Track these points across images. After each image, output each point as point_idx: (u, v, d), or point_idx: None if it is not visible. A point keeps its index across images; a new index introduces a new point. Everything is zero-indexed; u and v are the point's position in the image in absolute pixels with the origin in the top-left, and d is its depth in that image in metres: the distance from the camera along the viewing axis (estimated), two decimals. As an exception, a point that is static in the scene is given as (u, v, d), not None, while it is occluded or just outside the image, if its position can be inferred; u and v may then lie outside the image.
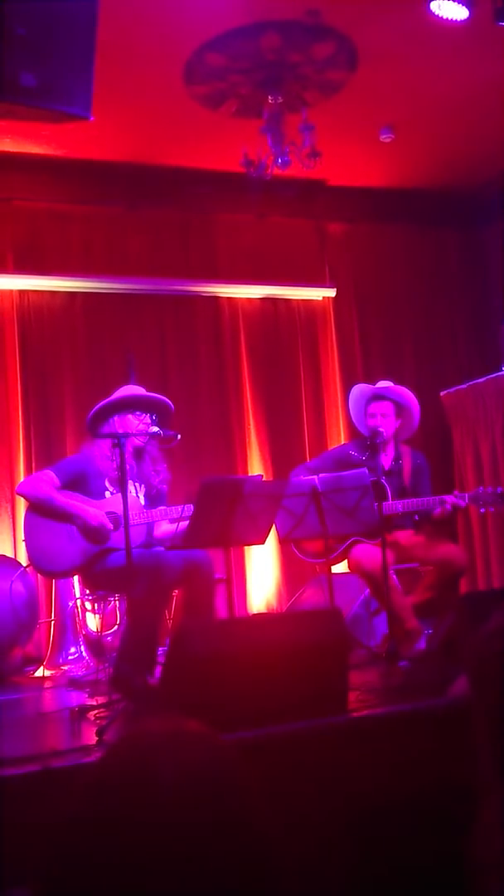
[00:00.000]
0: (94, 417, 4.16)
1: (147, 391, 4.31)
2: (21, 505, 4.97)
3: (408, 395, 4.71)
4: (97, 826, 0.76)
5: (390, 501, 4.40)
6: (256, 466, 6.39)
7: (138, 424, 4.07)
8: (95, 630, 5.00)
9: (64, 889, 0.75)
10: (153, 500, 4.18)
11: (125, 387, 4.35)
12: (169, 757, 0.80)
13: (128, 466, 3.85)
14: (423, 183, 6.78)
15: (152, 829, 0.74)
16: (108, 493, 4.08)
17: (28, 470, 5.67)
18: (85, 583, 4.25)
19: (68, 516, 3.93)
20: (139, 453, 4.14)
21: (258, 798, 0.81)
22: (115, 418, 4.11)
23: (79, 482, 4.05)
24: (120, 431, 3.96)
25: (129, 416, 4.11)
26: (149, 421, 4.07)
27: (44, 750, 2.80)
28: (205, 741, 0.83)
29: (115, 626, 4.87)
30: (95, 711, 3.33)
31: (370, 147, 6.08)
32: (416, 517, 4.54)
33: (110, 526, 3.90)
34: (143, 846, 0.73)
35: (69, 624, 5.28)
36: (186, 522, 3.70)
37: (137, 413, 4.12)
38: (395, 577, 4.34)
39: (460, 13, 4.42)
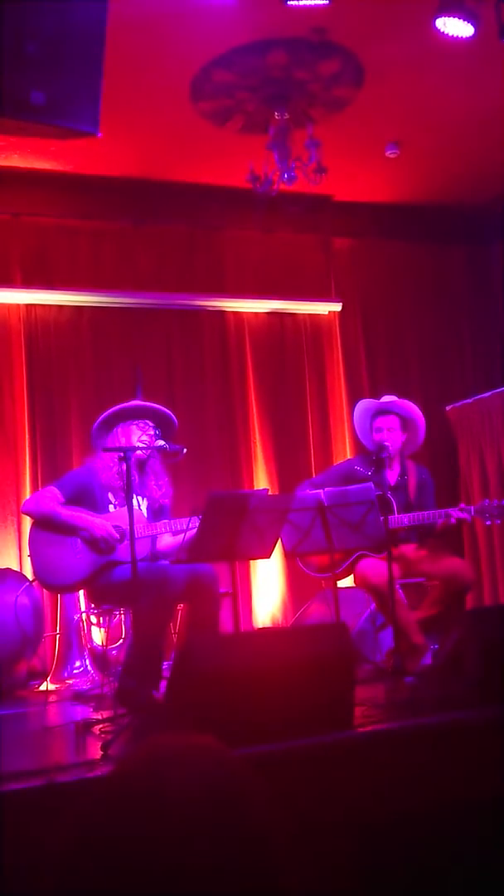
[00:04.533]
0: (97, 429, 4.17)
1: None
2: (26, 518, 4.97)
3: (413, 409, 4.71)
4: (108, 841, 0.75)
5: (396, 515, 4.40)
6: (262, 481, 6.39)
7: (141, 434, 4.08)
8: (100, 644, 5.00)
9: None
10: (156, 513, 4.18)
11: (131, 402, 4.36)
12: (181, 771, 0.79)
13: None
14: (428, 199, 6.80)
15: (164, 844, 0.74)
16: (111, 507, 4.08)
17: (34, 484, 5.68)
18: (90, 597, 4.24)
19: (74, 529, 3.93)
20: (142, 466, 4.14)
21: (272, 813, 0.80)
22: (119, 428, 4.12)
23: (83, 496, 4.05)
24: (124, 442, 3.97)
25: (133, 426, 4.11)
26: (152, 431, 4.07)
27: (48, 764, 2.79)
28: (218, 755, 0.83)
29: (121, 640, 4.86)
30: (100, 726, 3.31)
31: (376, 163, 6.11)
32: (422, 531, 4.53)
33: (116, 535, 3.91)
34: (155, 862, 0.73)
35: (74, 638, 5.28)
36: (190, 533, 3.70)
37: (140, 423, 4.12)
38: (400, 591, 4.32)
39: (465, 30, 4.44)
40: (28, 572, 5.05)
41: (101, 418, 4.15)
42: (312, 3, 4.32)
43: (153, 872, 0.73)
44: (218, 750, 0.83)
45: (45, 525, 3.96)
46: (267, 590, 6.27)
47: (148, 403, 4.24)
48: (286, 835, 0.80)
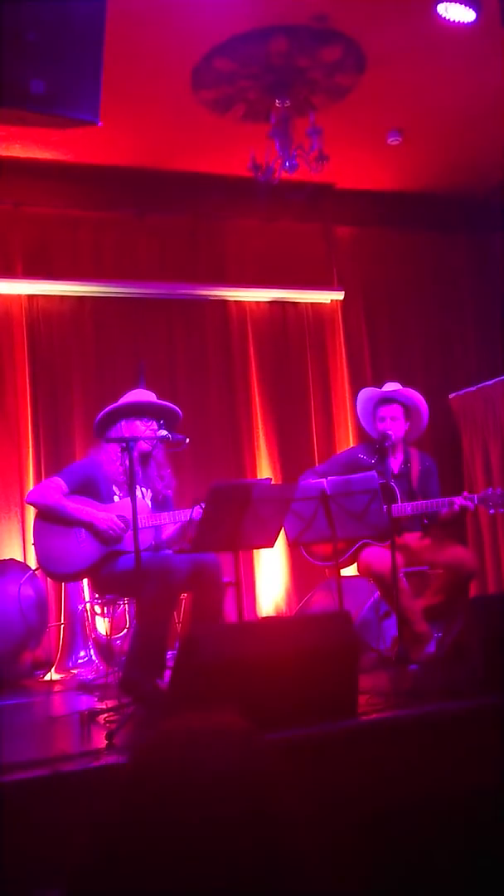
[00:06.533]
0: (101, 421, 4.17)
1: (157, 396, 4.32)
2: (30, 508, 4.98)
3: (417, 397, 4.70)
4: (136, 824, 0.74)
5: (399, 504, 4.40)
6: (265, 470, 6.39)
7: (145, 430, 4.09)
8: (105, 634, 5.01)
9: (100, 887, 0.74)
10: (160, 504, 4.19)
11: (134, 391, 4.36)
12: (207, 754, 0.79)
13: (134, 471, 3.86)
14: (431, 186, 6.77)
15: (189, 826, 0.73)
16: (116, 498, 4.09)
17: (37, 475, 5.69)
18: (94, 586, 4.25)
19: (78, 522, 3.95)
20: (145, 458, 4.15)
21: (295, 796, 0.79)
22: (123, 423, 4.13)
23: (87, 487, 4.06)
24: (127, 436, 3.97)
25: (137, 422, 4.12)
26: (156, 427, 4.07)
27: (53, 754, 2.80)
28: (245, 736, 0.82)
29: (125, 630, 4.87)
30: (105, 715, 3.32)
31: (378, 151, 6.09)
32: (426, 520, 4.53)
33: (121, 525, 3.91)
34: (181, 844, 0.72)
35: (78, 628, 5.29)
36: (189, 521, 3.71)
37: (145, 419, 4.13)
38: (404, 580, 4.33)
39: (467, 15, 4.42)
40: (32, 562, 5.06)
41: (104, 412, 4.15)
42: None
43: (182, 854, 0.72)
44: (245, 730, 0.82)
45: (50, 516, 3.97)
46: (270, 579, 6.27)
47: (153, 400, 4.24)
48: (309, 817, 0.80)
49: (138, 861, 0.73)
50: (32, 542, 4.08)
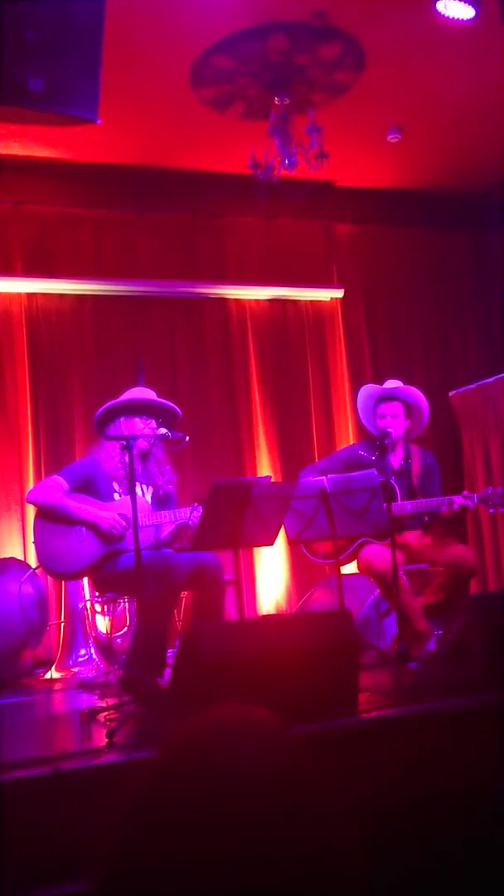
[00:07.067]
0: (100, 418, 4.17)
1: (156, 394, 4.33)
2: (30, 506, 4.98)
3: (417, 394, 4.70)
4: (170, 821, 0.71)
5: (399, 502, 4.40)
6: (265, 468, 6.39)
7: (144, 428, 4.09)
8: (105, 632, 5.01)
9: (127, 883, 0.72)
10: (161, 501, 4.19)
11: (133, 389, 4.37)
12: (244, 748, 0.76)
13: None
14: (431, 184, 6.77)
15: (227, 825, 0.70)
16: (116, 496, 4.09)
17: (37, 473, 5.69)
18: (94, 585, 4.26)
19: (80, 521, 3.95)
20: (144, 455, 4.15)
21: (330, 792, 0.77)
22: (122, 420, 4.13)
23: (87, 485, 4.06)
24: (127, 434, 3.97)
25: (136, 420, 4.13)
26: (154, 424, 4.08)
27: (54, 752, 2.80)
28: (278, 729, 0.80)
29: (125, 628, 4.87)
30: (105, 713, 3.32)
31: (378, 148, 6.08)
32: (426, 518, 4.53)
33: (123, 523, 3.92)
34: (217, 843, 0.69)
35: (79, 626, 5.29)
36: (186, 519, 3.70)
37: (144, 417, 4.13)
38: (404, 577, 4.33)
39: (466, 12, 4.41)
40: (32, 561, 5.06)
41: (103, 409, 4.16)
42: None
43: (219, 854, 0.69)
44: (277, 724, 0.81)
45: (51, 515, 3.97)
46: (271, 577, 6.27)
47: (151, 398, 4.24)
48: (345, 813, 0.77)
49: (169, 859, 0.70)
50: (33, 540, 4.09)
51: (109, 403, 4.16)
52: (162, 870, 0.70)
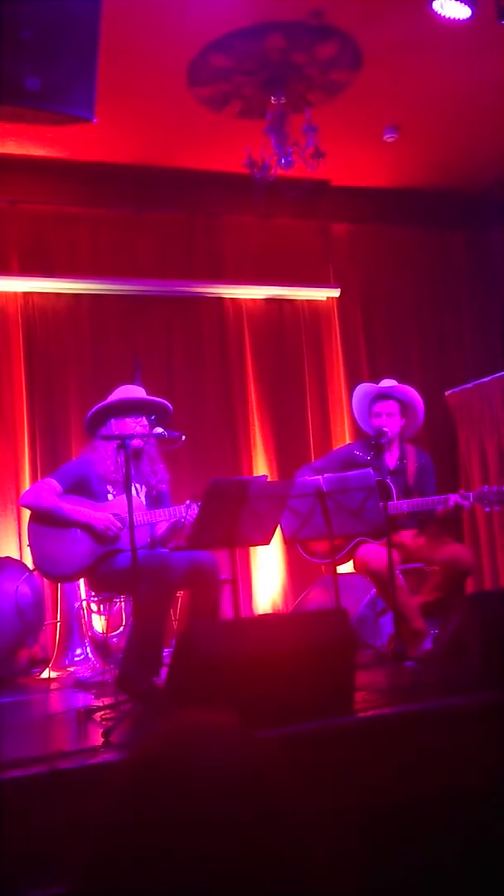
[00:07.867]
0: (91, 420, 4.16)
1: (147, 392, 4.31)
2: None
3: (412, 393, 4.70)
4: (137, 823, 0.73)
5: (395, 501, 4.40)
6: (261, 467, 6.39)
7: (136, 427, 4.08)
8: (101, 631, 5.01)
9: (102, 887, 0.73)
10: (154, 500, 4.19)
11: (123, 387, 4.35)
12: (207, 751, 0.78)
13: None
14: (427, 183, 6.77)
15: (192, 825, 0.72)
16: (110, 496, 4.08)
17: (33, 472, 5.68)
18: (90, 585, 4.25)
19: (75, 524, 3.94)
20: (138, 454, 4.14)
21: (295, 794, 0.79)
22: (113, 422, 4.12)
23: (81, 486, 4.05)
24: (122, 433, 3.96)
25: (127, 420, 4.11)
26: (146, 423, 4.07)
27: (50, 751, 2.80)
28: (242, 734, 0.81)
29: (121, 628, 4.87)
30: (102, 713, 3.33)
31: (374, 147, 6.08)
32: (422, 517, 4.53)
33: (118, 524, 3.91)
34: (183, 842, 0.71)
35: (75, 625, 5.29)
36: (181, 517, 3.70)
37: (134, 416, 4.12)
38: (401, 576, 4.33)
39: (463, 12, 4.41)
40: (28, 561, 5.06)
41: (93, 411, 4.15)
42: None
43: (184, 853, 0.72)
44: (242, 729, 0.82)
45: (45, 518, 3.96)
46: (267, 576, 6.27)
47: (140, 396, 4.22)
48: (311, 815, 0.79)
49: (141, 861, 0.72)
50: (28, 543, 4.08)
51: (98, 406, 4.16)
52: (133, 872, 0.72)
